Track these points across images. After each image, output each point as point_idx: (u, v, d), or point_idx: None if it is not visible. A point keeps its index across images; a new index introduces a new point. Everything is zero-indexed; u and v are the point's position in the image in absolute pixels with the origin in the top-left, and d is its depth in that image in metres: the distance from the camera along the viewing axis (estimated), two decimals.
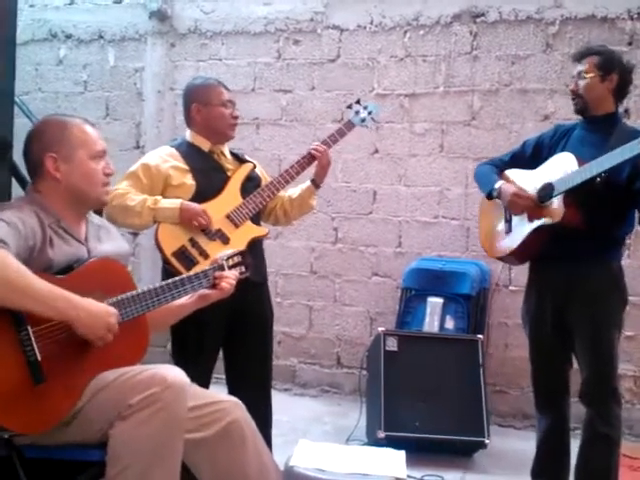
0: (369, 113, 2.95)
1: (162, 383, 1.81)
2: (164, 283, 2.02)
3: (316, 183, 2.87)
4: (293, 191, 2.91)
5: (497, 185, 2.68)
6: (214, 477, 1.99)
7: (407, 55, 4.26)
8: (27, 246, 1.84)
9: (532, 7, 4.02)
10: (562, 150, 2.60)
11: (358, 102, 2.96)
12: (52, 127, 2.01)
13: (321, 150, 2.81)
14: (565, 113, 3.90)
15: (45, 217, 1.93)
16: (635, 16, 3.85)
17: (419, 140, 4.26)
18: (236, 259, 2.19)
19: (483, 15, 4.12)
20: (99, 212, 2.44)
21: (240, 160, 2.81)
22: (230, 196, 2.68)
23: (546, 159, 2.64)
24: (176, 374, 1.87)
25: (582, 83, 2.57)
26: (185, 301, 2.14)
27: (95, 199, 2.05)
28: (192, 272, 2.14)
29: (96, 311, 1.81)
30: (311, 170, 2.87)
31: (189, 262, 2.54)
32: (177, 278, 2.06)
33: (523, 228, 2.60)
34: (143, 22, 4.74)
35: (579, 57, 2.62)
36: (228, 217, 2.64)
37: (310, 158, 2.81)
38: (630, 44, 3.87)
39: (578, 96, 2.59)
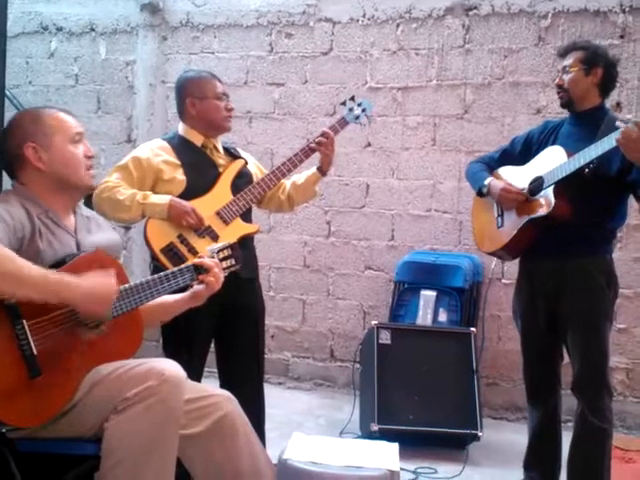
0: (363, 110, 2.89)
1: (159, 376, 1.81)
2: (156, 276, 2.01)
3: (322, 170, 2.85)
4: (298, 177, 2.90)
5: (486, 182, 2.71)
6: (206, 471, 1.99)
7: (400, 48, 4.26)
8: (16, 238, 1.82)
9: (524, 0, 4.02)
10: (551, 145, 2.62)
11: (352, 99, 2.91)
12: (26, 119, 2.01)
13: (324, 141, 2.76)
14: (557, 106, 3.86)
15: (33, 208, 1.92)
16: (627, 9, 3.85)
17: (412, 133, 4.26)
18: (226, 252, 2.18)
19: (476, 8, 4.11)
20: (89, 205, 2.42)
21: (233, 155, 2.80)
22: (221, 193, 2.67)
23: (535, 155, 2.66)
24: (173, 368, 1.87)
25: (567, 77, 2.60)
26: (178, 299, 2.13)
27: (79, 183, 2.02)
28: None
29: (100, 289, 1.80)
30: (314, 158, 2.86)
31: (177, 259, 2.52)
32: (169, 271, 2.05)
33: (514, 222, 2.61)
34: (135, 15, 4.72)
35: (564, 52, 2.66)
36: (218, 214, 2.63)
37: (302, 155, 2.77)
38: (622, 37, 3.88)
39: (563, 90, 2.62)
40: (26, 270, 1.71)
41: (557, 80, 2.65)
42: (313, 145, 2.77)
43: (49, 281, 1.74)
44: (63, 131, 2.00)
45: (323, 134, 2.78)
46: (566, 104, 2.63)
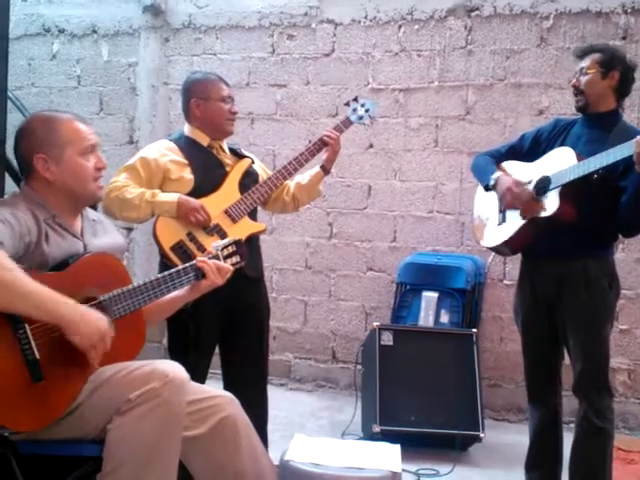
0: (366, 111, 2.91)
1: (162, 378, 1.81)
2: (159, 276, 2.01)
3: (326, 169, 2.87)
4: (302, 177, 2.92)
5: (494, 176, 2.68)
6: (208, 472, 2.00)
7: (402, 50, 4.26)
8: (23, 243, 1.83)
9: (526, 1, 4.02)
10: (560, 145, 2.61)
11: (356, 99, 2.93)
12: (40, 126, 1.98)
13: (334, 137, 2.80)
14: (559, 107, 3.90)
15: (40, 213, 1.92)
16: (629, 10, 3.85)
17: (414, 135, 4.26)
18: (231, 249, 2.18)
19: (477, 9, 4.11)
20: (94, 205, 2.42)
21: (238, 155, 2.81)
22: (228, 191, 2.68)
23: (543, 153, 2.64)
24: (176, 369, 1.87)
25: (583, 79, 2.58)
26: (178, 293, 2.13)
27: (87, 195, 2.03)
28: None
29: (92, 318, 1.78)
30: (319, 157, 2.87)
31: (187, 256, 2.53)
32: (173, 270, 2.05)
33: (517, 220, 2.61)
34: (137, 16, 4.72)
35: (582, 54, 2.63)
36: (226, 212, 2.64)
37: (308, 154, 2.80)
38: (624, 38, 3.87)
39: (580, 92, 2.59)
40: (28, 288, 1.69)
41: (573, 81, 2.62)
42: (326, 138, 2.80)
43: (43, 299, 1.71)
44: (76, 143, 1.98)
45: (327, 135, 2.80)
46: (582, 107, 2.60)
